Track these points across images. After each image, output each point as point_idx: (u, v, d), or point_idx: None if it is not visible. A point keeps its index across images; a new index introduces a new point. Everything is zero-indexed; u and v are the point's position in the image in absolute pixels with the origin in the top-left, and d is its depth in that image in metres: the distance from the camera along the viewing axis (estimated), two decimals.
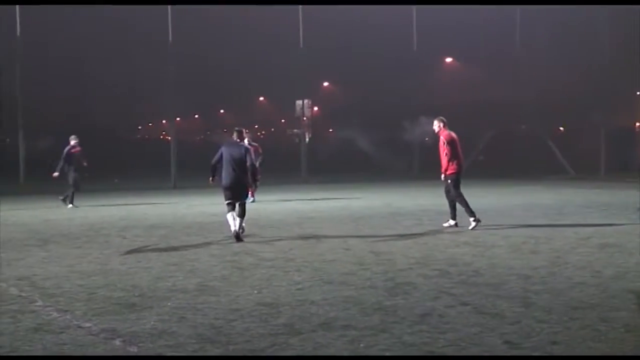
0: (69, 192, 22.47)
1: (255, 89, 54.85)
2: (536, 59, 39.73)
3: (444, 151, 15.50)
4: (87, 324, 7.60)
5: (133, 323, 7.62)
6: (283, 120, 61.09)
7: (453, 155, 15.50)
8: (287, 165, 38.79)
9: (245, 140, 15.62)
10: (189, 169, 31.69)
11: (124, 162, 41.10)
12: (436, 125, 15.80)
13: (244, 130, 15.28)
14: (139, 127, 67.97)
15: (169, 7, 34.32)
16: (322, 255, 11.99)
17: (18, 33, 32.73)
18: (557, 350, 6.47)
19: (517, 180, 31.83)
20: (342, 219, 17.60)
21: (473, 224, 15.13)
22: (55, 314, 8.07)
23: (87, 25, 37.64)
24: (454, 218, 15.64)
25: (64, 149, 22.56)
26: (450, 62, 46.66)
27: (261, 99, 60.37)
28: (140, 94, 42.52)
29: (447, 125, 15.72)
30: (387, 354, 6.46)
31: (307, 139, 41.05)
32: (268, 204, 22.53)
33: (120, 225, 17.08)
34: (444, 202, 20.11)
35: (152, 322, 7.62)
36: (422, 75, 40.23)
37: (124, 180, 35.46)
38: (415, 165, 40.53)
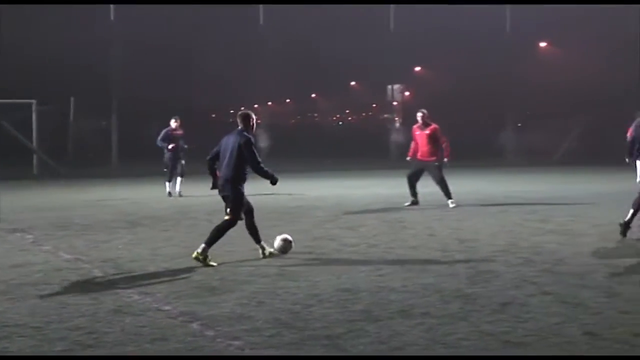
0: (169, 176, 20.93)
1: (348, 74, 54.52)
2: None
3: (430, 141, 16.97)
4: (167, 307, 7.69)
5: (212, 306, 7.68)
6: (374, 105, 60.96)
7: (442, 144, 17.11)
8: (376, 150, 38.58)
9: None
10: (281, 154, 31.85)
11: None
12: (420, 117, 17.22)
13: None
14: (232, 111, 68.39)
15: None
16: (405, 242, 11.90)
17: (112, 17, 33.36)
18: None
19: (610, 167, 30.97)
20: (428, 205, 17.41)
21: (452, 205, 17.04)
22: (136, 297, 8.18)
23: (181, 10, 38.06)
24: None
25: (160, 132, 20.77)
26: (545, 47, 45.69)
27: (353, 83, 60.19)
28: (234, 78, 42.51)
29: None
30: (465, 343, 6.36)
31: (397, 124, 40.92)
32: (354, 189, 22.49)
33: (208, 209, 17.19)
34: (530, 189, 19.77)
35: (230, 306, 7.66)
36: (514, 58, 39.55)
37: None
38: (509, 150, 39.90)
